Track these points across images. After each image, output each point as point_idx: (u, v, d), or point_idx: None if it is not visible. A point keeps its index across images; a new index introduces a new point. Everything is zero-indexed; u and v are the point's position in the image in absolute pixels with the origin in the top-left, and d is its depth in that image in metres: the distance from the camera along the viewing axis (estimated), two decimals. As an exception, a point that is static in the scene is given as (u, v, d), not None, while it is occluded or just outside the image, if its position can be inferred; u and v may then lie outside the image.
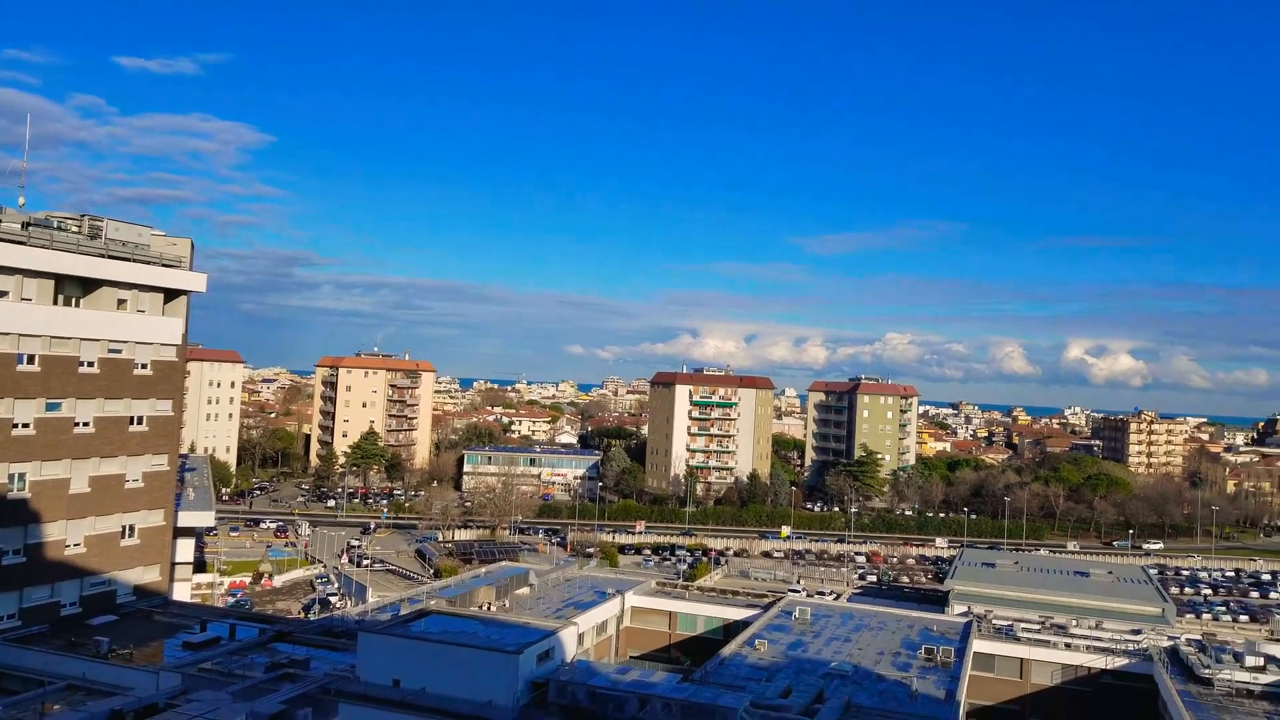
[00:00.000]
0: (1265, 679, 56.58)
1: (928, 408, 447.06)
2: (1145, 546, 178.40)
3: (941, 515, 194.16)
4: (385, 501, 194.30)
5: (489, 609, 63.64)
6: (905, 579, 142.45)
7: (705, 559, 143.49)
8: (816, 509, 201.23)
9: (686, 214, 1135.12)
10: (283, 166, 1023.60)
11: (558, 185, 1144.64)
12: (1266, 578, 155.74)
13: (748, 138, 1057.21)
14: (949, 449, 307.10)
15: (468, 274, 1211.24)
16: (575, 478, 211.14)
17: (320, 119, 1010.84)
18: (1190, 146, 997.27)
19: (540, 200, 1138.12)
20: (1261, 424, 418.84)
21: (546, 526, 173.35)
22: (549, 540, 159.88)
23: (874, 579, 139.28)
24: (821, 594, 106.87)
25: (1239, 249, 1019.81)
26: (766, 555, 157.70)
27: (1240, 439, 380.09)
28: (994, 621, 71.45)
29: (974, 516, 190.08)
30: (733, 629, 68.18)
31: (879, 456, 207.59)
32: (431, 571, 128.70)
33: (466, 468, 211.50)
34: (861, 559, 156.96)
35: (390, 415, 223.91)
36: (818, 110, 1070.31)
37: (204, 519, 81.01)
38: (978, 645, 64.31)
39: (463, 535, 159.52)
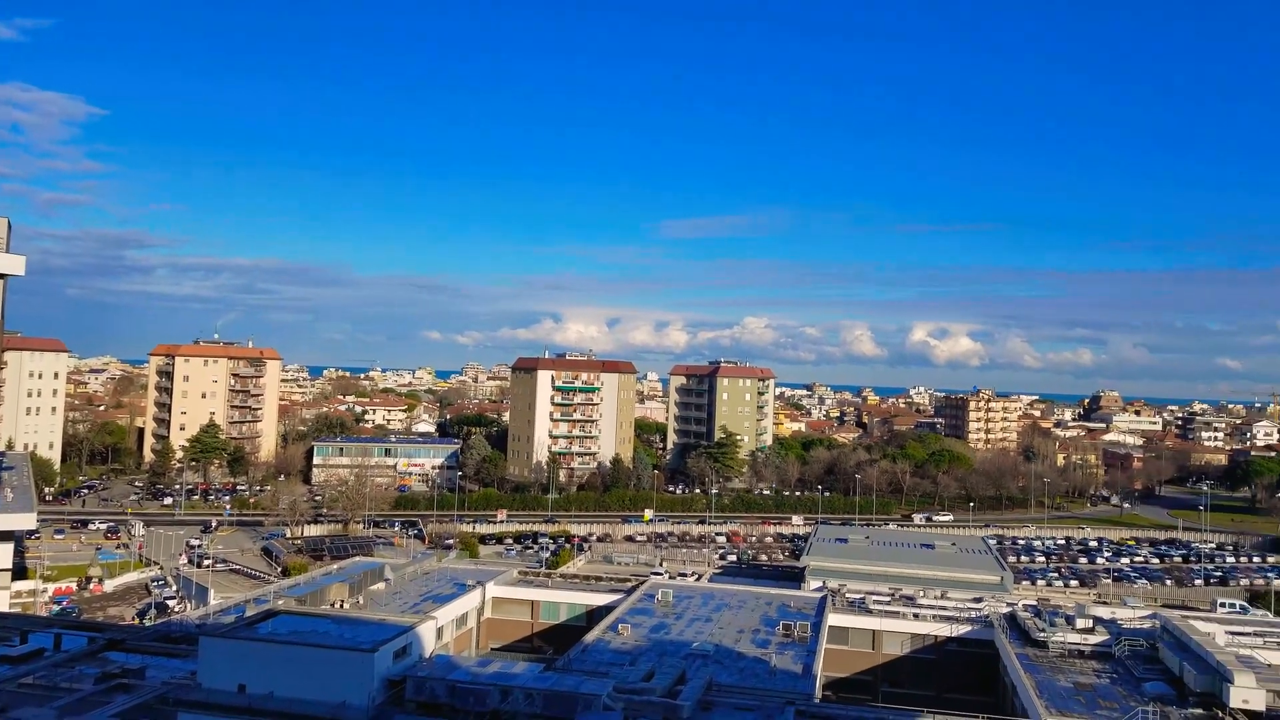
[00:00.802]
0: (1094, 639, 60.43)
1: (784, 389, 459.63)
2: (936, 518, 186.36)
3: (798, 494, 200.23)
4: (228, 498, 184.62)
5: (342, 606, 61.14)
6: (764, 557, 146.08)
7: (568, 546, 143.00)
8: (679, 491, 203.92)
9: (548, 194, 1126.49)
10: (115, 141, 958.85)
11: (410, 164, 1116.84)
12: (1094, 544, 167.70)
13: (607, 119, 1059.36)
14: (804, 429, 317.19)
15: (316, 256, 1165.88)
16: (434, 468, 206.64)
17: (156, 94, 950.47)
18: (1019, 138, 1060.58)
19: (393, 178, 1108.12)
20: (1086, 400, 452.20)
21: (403, 519, 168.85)
22: (406, 533, 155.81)
23: (734, 558, 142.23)
24: (684, 576, 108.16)
25: (1068, 235, 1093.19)
26: (630, 539, 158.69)
27: (1068, 415, 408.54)
28: (847, 595, 73.77)
29: (828, 494, 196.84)
30: (596, 615, 67.95)
31: (738, 438, 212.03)
32: (279, 570, 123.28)
33: (316, 460, 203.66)
34: (722, 539, 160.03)
35: (233, 406, 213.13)
36: (679, 93, 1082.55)
37: (24, 521, 74.85)
38: (833, 619, 66.21)
39: (313, 531, 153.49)
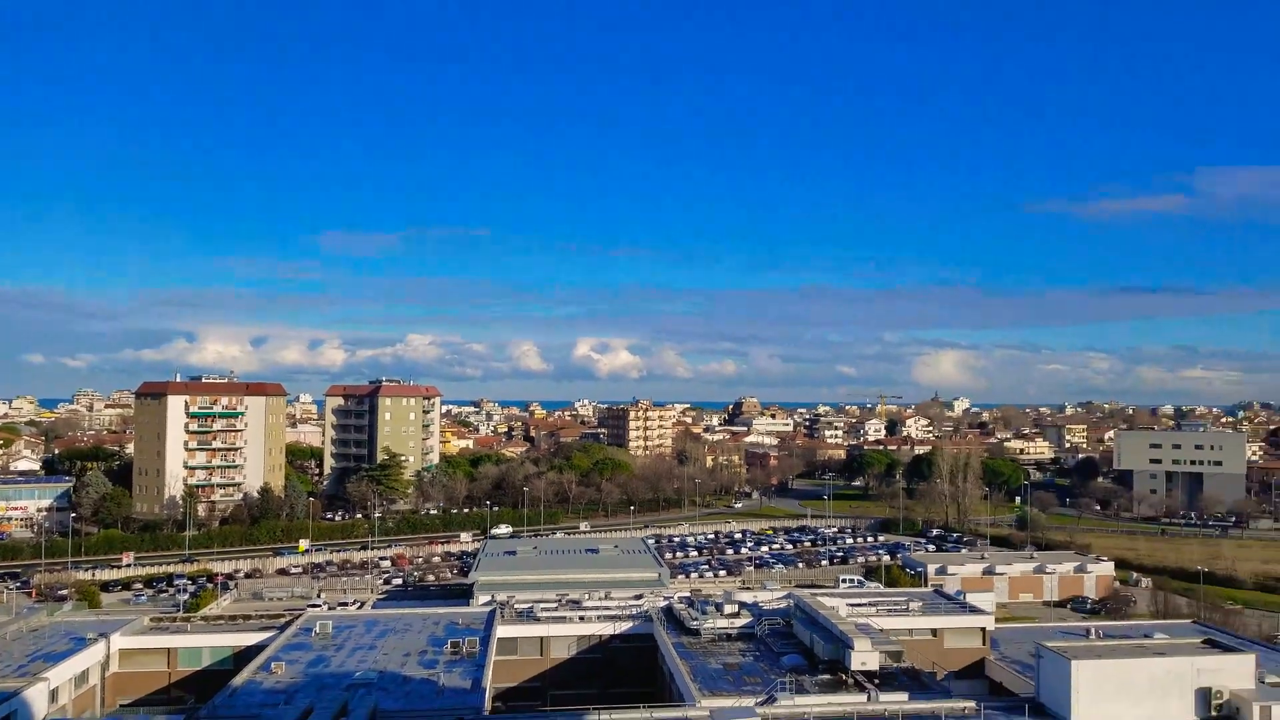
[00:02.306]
0: (739, 622, 65.29)
1: (450, 407, 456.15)
2: (599, 524, 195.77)
3: (466, 511, 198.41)
4: None
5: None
6: (432, 577, 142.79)
7: (211, 585, 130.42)
8: (338, 518, 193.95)
9: (178, 197, 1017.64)
10: None
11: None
12: (738, 536, 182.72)
13: (254, 123, 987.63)
14: (472, 446, 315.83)
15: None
16: (41, 510, 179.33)
17: None
18: (659, 161, 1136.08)
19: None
20: (730, 407, 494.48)
21: (3, 570, 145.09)
22: (7, 586, 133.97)
23: (400, 582, 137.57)
24: (345, 604, 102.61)
25: (713, 255, 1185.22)
26: (283, 573, 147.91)
27: (716, 420, 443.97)
28: (516, 606, 73.84)
29: (496, 509, 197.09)
30: (245, 656, 62.41)
31: (402, 459, 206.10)
32: None
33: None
34: (387, 563, 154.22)
35: None
36: (332, 104, 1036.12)
37: None
38: (502, 631, 65.93)
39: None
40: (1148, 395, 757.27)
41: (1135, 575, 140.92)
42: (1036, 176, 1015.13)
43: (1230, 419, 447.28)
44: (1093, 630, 61.92)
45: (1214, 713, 44.30)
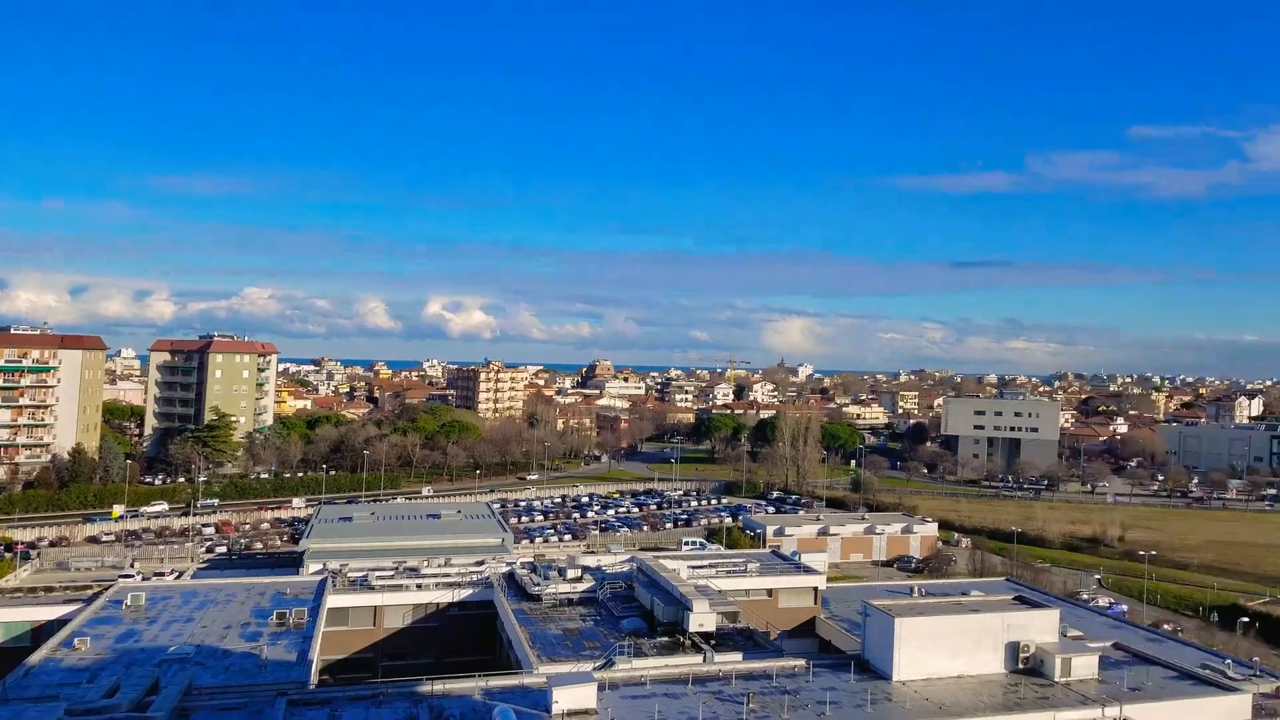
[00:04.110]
0: (582, 587, 65.00)
1: (289, 365, 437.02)
2: (442, 488, 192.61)
3: (300, 475, 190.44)
4: None
5: None
6: (260, 545, 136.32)
7: (9, 555, 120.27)
8: (158, 482, 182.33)
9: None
10: None
11: None
12: (585, 500, 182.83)
13: (81, 52, 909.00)
14: (310, 406, 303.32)
15: None
16: None
17: None
18: (503, 130, 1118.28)
19: None
20: (584, 369, 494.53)
21: None
22: None
23: (224, 550, 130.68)
24: (161, 575, 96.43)
25: (566, 216, 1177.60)
26: (94, 540, 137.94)
27: (569, 383, 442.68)
28: (349, 575, 71.11)
29: (333, 473, 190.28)
30: (45, 632, 57.83)
31: (233, 419, 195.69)
32: None
33: None
34: (210, 530, 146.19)
35: None
36: (164, 33, 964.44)
37: None
38: (332, 600, 63.41)
39: None
40: (975, 364, 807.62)
41: (957, 536, 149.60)
42: (884, 151, 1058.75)
43: (1047, 388, 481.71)
44: (916, 589, 64.76)
45: (1021, 665, 47.04)
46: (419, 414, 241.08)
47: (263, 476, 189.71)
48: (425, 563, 77.43)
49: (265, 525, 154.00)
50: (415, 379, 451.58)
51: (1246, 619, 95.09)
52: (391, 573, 71.50)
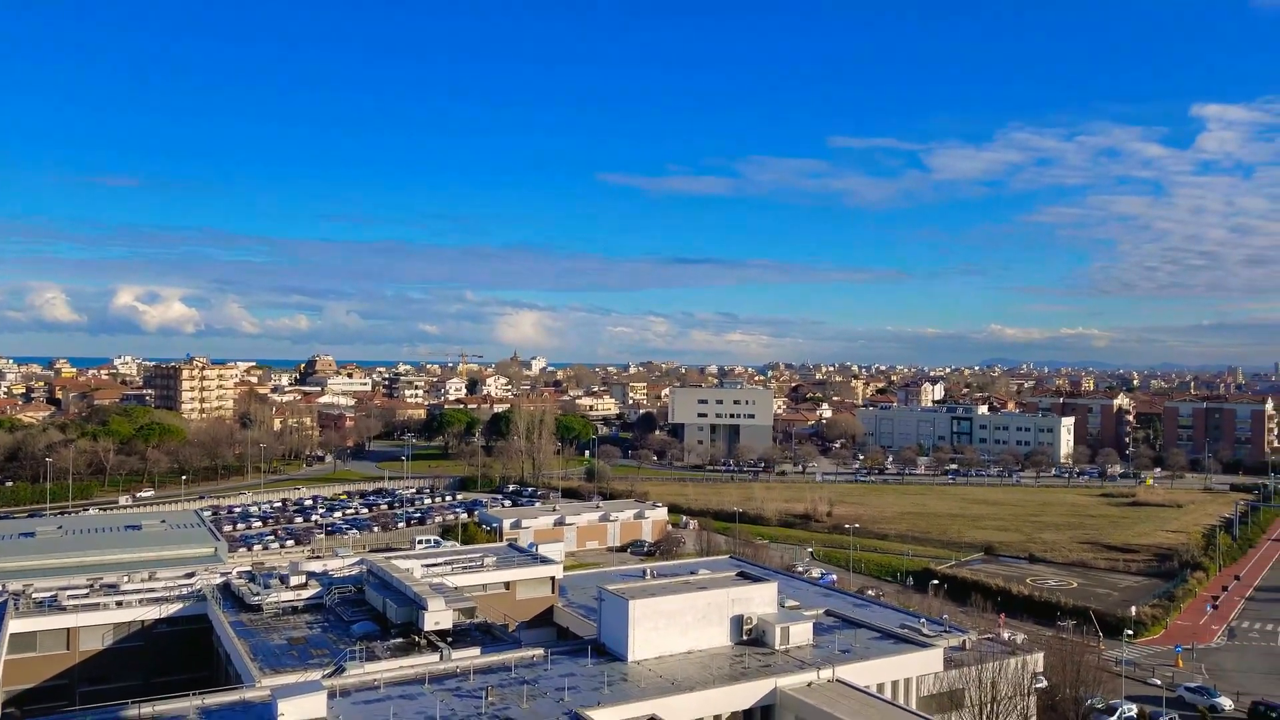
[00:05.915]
0: (307, 594, 61.53)
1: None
2: (142, 495, 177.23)
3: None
4: None
5: None
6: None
7: None
8: None
9: None
10: None
11: None
12: (309, 503, 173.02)
13: None
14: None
15: None
16: None
17: None
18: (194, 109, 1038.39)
19: None
20: (303, 365, 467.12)
21: None
22: None
23: None
24: None
25: (280, 199, 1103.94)
26: None
27: (286, 380, 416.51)
28: (34, 595, 62.84)
29: (11, 484, 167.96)
30: None
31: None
32: None
33: None
34: None
35: None
36: None
37: None
38: (15, 626, 55.97)
39: None
40: (698, 355, 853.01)
41: (685, 518, 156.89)
42: (610, 149, 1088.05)
43: (761, 377, 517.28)
44: (648, 571, 67.15)
45: (745, 636, 50.09)
46: (111, 416, 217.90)
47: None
48: (126, 578, 69.90)
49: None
50: (106, 378, 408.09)
51: (937, 581, 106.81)
52: (86, 591, 64.02)
